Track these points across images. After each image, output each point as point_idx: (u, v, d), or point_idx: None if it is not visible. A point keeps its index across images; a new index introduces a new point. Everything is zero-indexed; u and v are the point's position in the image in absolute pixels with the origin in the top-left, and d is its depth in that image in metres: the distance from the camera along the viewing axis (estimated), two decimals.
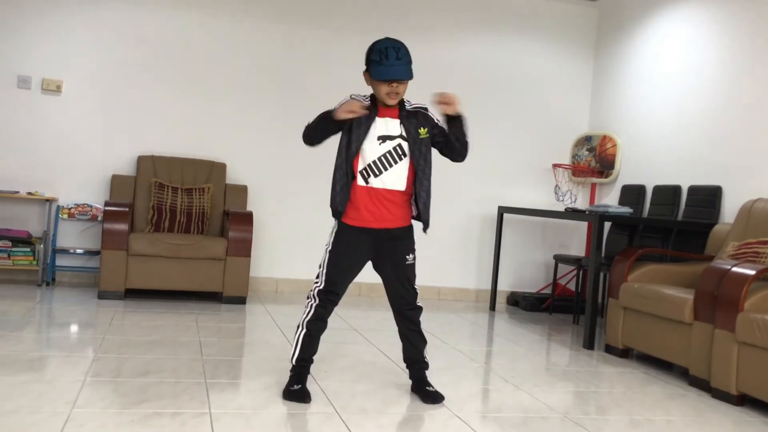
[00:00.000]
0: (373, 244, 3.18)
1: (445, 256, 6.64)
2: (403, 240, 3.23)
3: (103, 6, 5.92)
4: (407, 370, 3.41)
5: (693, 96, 5.54)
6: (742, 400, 3.62)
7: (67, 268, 5.87)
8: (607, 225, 6.22)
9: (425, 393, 3.27)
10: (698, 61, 5.52)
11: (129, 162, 5.97)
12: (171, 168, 5.85)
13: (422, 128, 3.14)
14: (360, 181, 3.12)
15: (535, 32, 6.82)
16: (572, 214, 5.36)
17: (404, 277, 3.23)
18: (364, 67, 3.15)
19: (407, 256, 3.23)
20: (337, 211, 3.14)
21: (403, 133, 3.11)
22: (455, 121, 3.16)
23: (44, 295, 5.28)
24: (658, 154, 5.86)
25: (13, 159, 5.78)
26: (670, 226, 5.23)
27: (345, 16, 6.40)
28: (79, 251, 5.83)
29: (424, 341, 3.37)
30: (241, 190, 6.00)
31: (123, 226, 5.23)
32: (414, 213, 3.24)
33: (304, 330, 3.21)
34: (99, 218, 5.82)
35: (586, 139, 6.69)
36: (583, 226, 6.86)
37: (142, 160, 5.82)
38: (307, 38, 6.34)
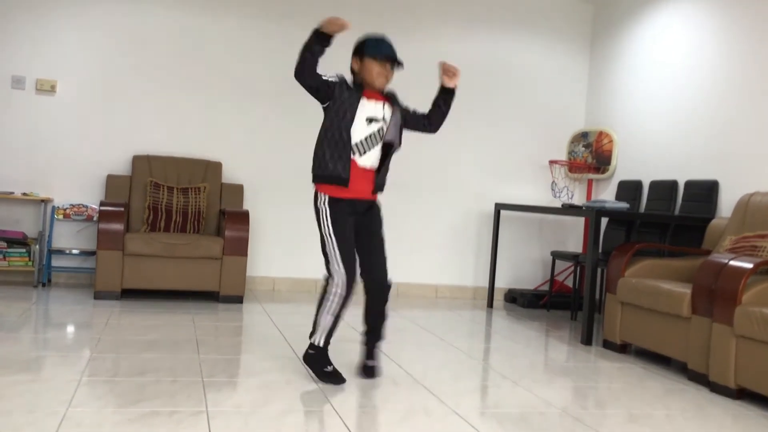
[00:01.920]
0: (356, 215, 3.37)
1: (443, 254, 6.64)
2: (377, 210, 3.48)
3: (97, 6, 5.90)
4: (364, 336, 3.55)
5: (689, 91, 5.53)
6: (740, 393, 3.62)
7: (62, 268, 5.85)
8: (604, 221, 6.22)
9: (365, 367, 3.51)
10: (694, 55, 5.52)
11: (124, 162, 5.95)
12: (166, 167, 5.83)
13: (400, 111, 3.42)
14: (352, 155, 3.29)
15: (530, 28, 6.81)
16: (569, 210, 5.36)
17: (382, 246, 3.43)
18: (362, 52, 3.36)
19: (382, 227, 3.47)
20: (341, 177, 3.25)
21: (386, 117, 3.35)
22: (449, 92, 3.45)
23: (40, 295, 5.26)
24: (655, 149, 5.85)
25: (8, 159, 5.76)
26: (667, 221, 5.23)
27: (344, 15, 6.37)
28: (74, 252, 5.81)
29: (386, 316, 3.55)
30: (237, 190, 5.98)
31: (119, 226, 5.21)
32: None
33: (334, 318, 3.34)
34: (94, 218, 5.80)
35: (583, 135, 6.69)
36: (580, 222, 6.85)
37: (137, 160, 5.80)
38: (303, 37, 6.29)
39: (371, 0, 6.45)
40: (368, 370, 3.51)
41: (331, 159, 3.25)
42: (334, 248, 3.27)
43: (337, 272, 3.27)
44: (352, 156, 3.28)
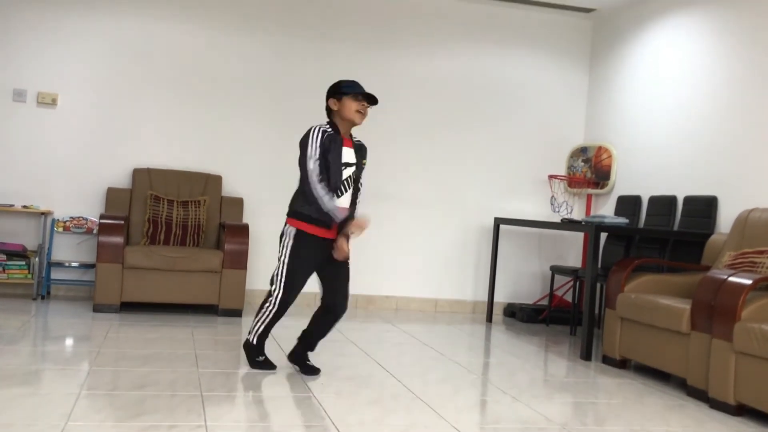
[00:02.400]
0: (324, 251, 3.72)
1: (442, 268, 6.64)
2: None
3: (98, 19, 5.93)
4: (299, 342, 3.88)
5: (688, 106, 5.56)
6: (740, 410, 3.61)
7: (62, 281, 5.85)
8: (604, 236, 6.22)
9: (306, 366, 3.85)
10: (693, 71, 5.55)
11: (124, 175, 5.96)
12: (167, 180, 5.84)
13: (364, 160, 3.81)
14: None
15: (530, 44, 6.84)
16: (568, 225, 5.37)
17: (346, 276, 3.79)
18: (340, 92, 3.67)
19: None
20: (345, 219, 3.65)
21: (356, 161, 3.72)
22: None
23: (39, 308, 5.25)
24: (654, 164, 5.87)
25: (8, 172, 5.77)
26: (666, 237, 5.23)
27: (342, 29, 6.42)
28: (74, 264, 5.81)
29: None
30: (237, 203, 5.99)
31: (118, 239, 5.22)
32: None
33: (264, 327, 3.79)
34: (94, 231, 5.80)
35: (582, 150, 6.71)
36: (580, 237, 6.86)
37: (137, 173, 5.82)
38: (303, 51, 6.35)
39: (369, 15, 6.48)
40: (310, 369, 3.86)
41: (320, 201, 3.61)
42: (282, 272, 3.70)
43: (277, 290, 3.71)
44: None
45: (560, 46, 6.92)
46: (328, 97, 3.72)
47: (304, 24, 6.34)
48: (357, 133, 3.98)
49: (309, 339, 3.85)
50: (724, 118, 5.17)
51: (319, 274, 3.78)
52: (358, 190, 3.78)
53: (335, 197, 3.63)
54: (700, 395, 3.85)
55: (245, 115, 6.22)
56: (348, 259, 3.74)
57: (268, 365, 3.85)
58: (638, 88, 6.19)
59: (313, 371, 3.83)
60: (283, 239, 3.72)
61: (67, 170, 5.87)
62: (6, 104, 5.76)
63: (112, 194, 5.73)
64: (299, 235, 3.67)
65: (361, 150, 3.78)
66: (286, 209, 6.23)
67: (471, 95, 6.70)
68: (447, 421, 3.15)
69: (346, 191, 3.69)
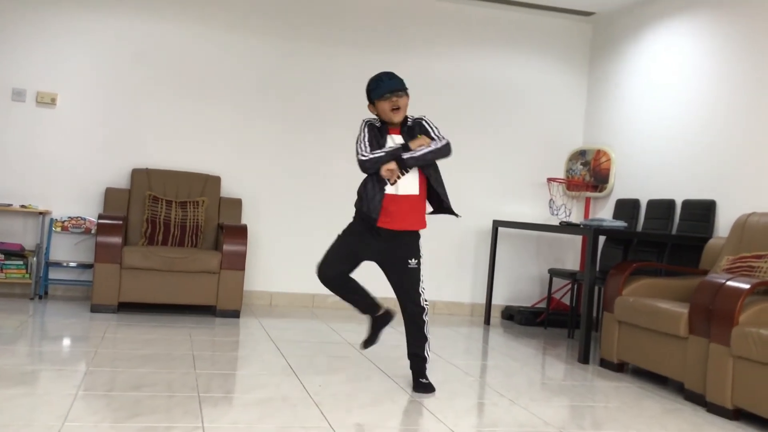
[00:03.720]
0: (379, 241, 3.65)
1: (440, 270, 6.63)
2: (406, 240, 3.69)
3: (98, 19, 5.93)
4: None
5: (687, 110, 5.56)
6: (737, 414, 3.61)
7: (60, 281, 5.84)
8: (602, 239, 6.22)
9: (417, 383, 3.68)
10: (692, 75, 5.56)
11: (123, 175, 5.96)
12: (165, 181, 5.84)
13: (419, 135, 3.62)
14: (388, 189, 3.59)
15: (529, 47, 6.85)
16: (567, 228, 5.37)
17: (405, 275, 3.70)
18: (364, 87, 3.66)
19: (409, 260, 3.67)
20: (372, 218, 3.55)
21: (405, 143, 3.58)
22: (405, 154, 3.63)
23: (37, 308, 5.24)
24: (652, 168, 5.88)
25: (7, 171, 5.76)
26: (664, 240, 5.24)
27: (342, 31, 6.42)
28: (72, 264, 5.80)
29: (424, 338, 3.73)
30: (236, 204, 5.99)
31: (117, 240, 5.21)
32: (430, 210, 3.76)
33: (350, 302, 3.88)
34: (92, 231, 5.80)
35: (581, 154, 6.71)
36: (578, 240, 6.86)
37: (136, 173, 5.81)
38: (304, 52, 6.35)
39: (369, 17, 6.48)
40: (417, 386, 3.69)
41: (365, 198, 3.58)
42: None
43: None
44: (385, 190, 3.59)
45: (559, 50, 6.92)
46: (368, 104, 3.69)
47: (306, 25, 6.34)
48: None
49: (409, 354, 3.77)
50: (723, 122, 5.18)
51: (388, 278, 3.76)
52: (425, 171, 3.67)
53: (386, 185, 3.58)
54: (697, 399, 3.85)
55: (245, 116, 6.22)
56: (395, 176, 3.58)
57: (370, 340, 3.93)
58: (637, 92, 6.19)
59: (425, 388, 3.68)
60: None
61: (66, 170, 5.87)
62: (5, 104, 5.75)
63: (110, 194, 5.72)
64: (352, 222, 3.72)
65: (412, 130, 3.65)
66: (286, 210, 6.29)
67: (470, 98, 6.70)
68: (445, 423, 3.15)
69: (400, 177, 3.58)
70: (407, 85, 3.63)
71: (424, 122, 3.70)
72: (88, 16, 5.91)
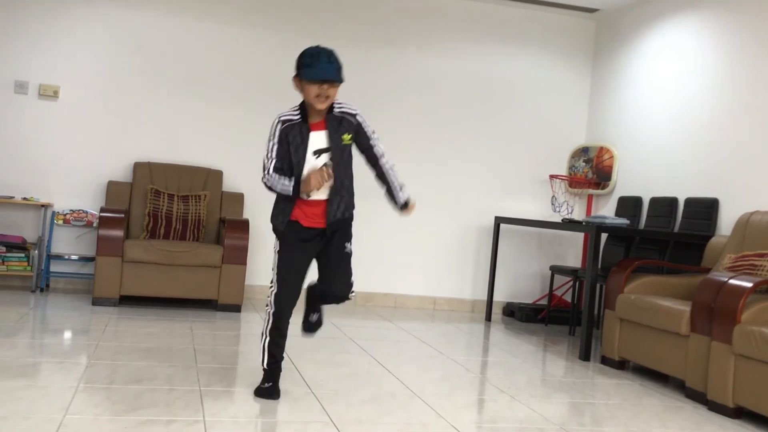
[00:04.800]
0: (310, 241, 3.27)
1: (441, 266, 6.63)
2: (337, 233, 3.29)
3: (100, 12, 5.92)
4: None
5: (690, 108, 5.55)
6: (738, 412, 3.61)
7: (61, 274, 5.84)
8: (604, 236, 6.22)
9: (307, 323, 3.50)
10: (696, 73, 5.54)
11: (125, 168, 5.95)
12: (167, 175, 5.83)
13: (346, 134, 3.19)
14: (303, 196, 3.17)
15: (532, 44, 6.83)
16: (569, 225, 5.36)
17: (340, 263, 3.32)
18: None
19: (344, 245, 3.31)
20: (278, 230, 3.22)
21: (330, 145, 3.16)
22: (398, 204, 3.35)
23: (38, 301, 5.25)
24: (655, 166, 5.86)
25: (9, 164, 5.76)
26: (666, 238, 5.23)
27: (343, 26, 6.41)
28: (73, 257, 5.80)
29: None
30: (238, 198, 5.98)
31: (118, 233, 5.21)
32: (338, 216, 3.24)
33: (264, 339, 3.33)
34: (94, 224, 5.80)
35: (583, 151, 6.70)
36: (580, 237, 6.85)
37: (138, 167, 5.81)
38: (304, 46, 6.31)
39: (370, 12, 6.47)
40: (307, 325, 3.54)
41: (276, 207, 3.26)
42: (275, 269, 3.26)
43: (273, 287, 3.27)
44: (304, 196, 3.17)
45: (563, 46, 6.90)
46: (295, 74, 3.22)
47: (307, 19, 6.33)
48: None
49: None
50: (726, 120, 5.17)
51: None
52: (338, 175, 3.16)
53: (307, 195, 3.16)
54: (698, 397, 3.85)
55: (247, 110, 6.21)
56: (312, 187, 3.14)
57: (271, 395, 3.31)
58: (641, 89, 6.18)
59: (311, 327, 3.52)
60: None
61: (68, 163, 5.86)
62: (8, 96, 5.75)
63: (112, 188, 5.72)
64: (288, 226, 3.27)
65: (339, 126, 3.18)
66: None
67: (473, 94, 6.68)
68: (445, 419, 3.15)
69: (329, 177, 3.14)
70: (343, 76, 3.16)
71: (359, 122, 3.24)
72: (91, 9, 5.90)
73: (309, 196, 3.15)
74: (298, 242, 3.24)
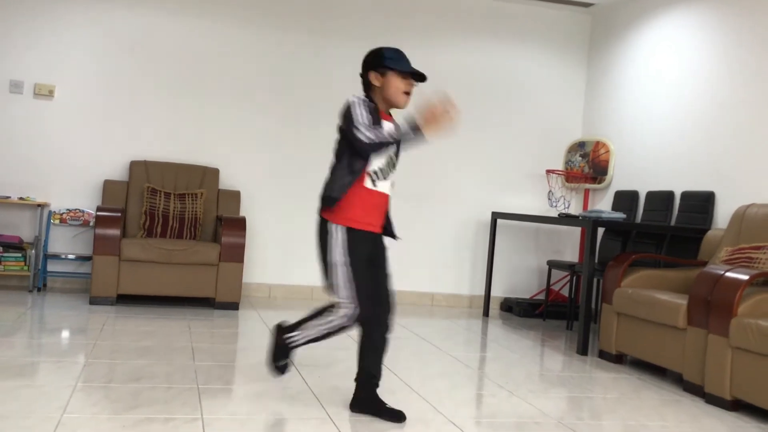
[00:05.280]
0: (373, 248, 3.07)
1: (439, 262, 6.63)
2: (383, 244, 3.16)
3: (96, 11, 5.90)
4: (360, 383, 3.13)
5: (686, 102, 5.55)
6: (736, 405, 3.62)
7: (58, 273, 5.84)
8: (601, 231, 6.22)
9: (389, 411, 3.04)
10: (691, 67, 5.54)
11: (121, 167, 5.95)
12: (164, 173, 5.83)
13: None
14: (368, 183, 2.99)
15: (528, 39, 6.83)
16: (566, 219, 5.36)
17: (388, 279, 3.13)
18: (360, 71, 3.06)
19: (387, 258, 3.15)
20: (331, 197, 2.92)
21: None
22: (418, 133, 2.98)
23: (35, 300, 5.24)
24: (651, 159, 5.87)
25: (5, 164, 5.75)
26: (663, 232, 5.23)
27: (340, 23, 6.40)
28: (70, 257, 5.79)
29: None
30: (234, 196, 5.98)
31: (115, 232, 5.21)
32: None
33: (322, 336, 3.08)
34: (91, 224, 5.79)
35: (580, 145, 6.71)
36: (577, 231, 6.86)
37: (134, 166, 5.80)
38: (301, 44, 6.33)
39: (367, 10, 6.46)
40: (394, 414, 3.07)
41: (333, 181, 2.98)
42: (349, 280, 2.96)
43: (348, 303, 2.99)
44: (370, 183, 3.00)
45: (558, 41, 6.90)
46: (367, 69, 3.02)
47: (304, 17, 6.32)
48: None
49: (368, 373, 3.11)
50: (722, 113, 5.17)
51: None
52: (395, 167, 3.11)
53: (372, 180, 2.99)
54: (696, 390, 3.86)
55: (243, 108, 6.20)
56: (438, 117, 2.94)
57: (281, 372, 3.26)
58: (636, 83, 6.18)
59: (398, 416, 3.02)
60: (329, 239, 2.99)
61: (64, 162, 5.85)
62: (3, 96, 5.73)
63: (108, 186, 5.71)
64: (349, 234, 2.97)
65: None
66: (284, 202, 6.28)
67: (468, 90, 6.68)
68: (444, 415, 3.15)
69: (385, 177, 3.05)
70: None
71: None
72: (87, 7, 5.88)
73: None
74: (365, 248, 2.99)
